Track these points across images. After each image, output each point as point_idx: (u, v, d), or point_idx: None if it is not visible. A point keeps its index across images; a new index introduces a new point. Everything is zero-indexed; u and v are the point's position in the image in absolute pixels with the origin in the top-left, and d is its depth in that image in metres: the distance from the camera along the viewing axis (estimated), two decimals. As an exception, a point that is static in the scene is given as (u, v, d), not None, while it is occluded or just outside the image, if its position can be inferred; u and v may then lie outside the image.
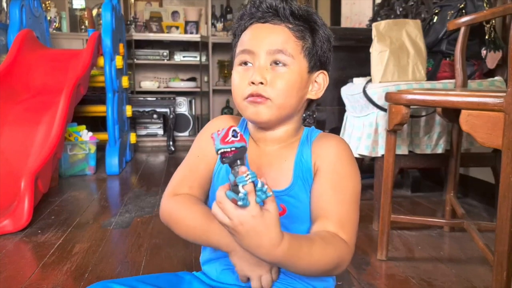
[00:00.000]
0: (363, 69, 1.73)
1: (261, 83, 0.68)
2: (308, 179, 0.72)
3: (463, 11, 1.65)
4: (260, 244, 0.55)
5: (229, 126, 0.56)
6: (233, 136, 0.56)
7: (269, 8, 0.71)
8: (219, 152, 0.56)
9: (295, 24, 0.70)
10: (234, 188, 0.54)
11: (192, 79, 4.15)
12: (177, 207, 0.75)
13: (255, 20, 0.72)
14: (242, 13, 0.74)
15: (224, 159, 0.56)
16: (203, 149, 0.79)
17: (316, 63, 0.73)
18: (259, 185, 0.54)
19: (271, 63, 0.70)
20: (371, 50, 1.59)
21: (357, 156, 1.67)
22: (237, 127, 0.56)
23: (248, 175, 0.54)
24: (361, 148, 1.60)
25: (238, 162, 0.55)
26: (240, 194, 0.53)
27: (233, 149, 0.55)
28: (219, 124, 0.82)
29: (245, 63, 0.71)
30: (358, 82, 1.74)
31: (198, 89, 4.08)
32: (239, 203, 0.53)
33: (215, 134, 0.57)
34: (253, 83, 0.69)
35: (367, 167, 2.16)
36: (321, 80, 0.76)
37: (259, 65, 0.69)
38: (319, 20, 0.73)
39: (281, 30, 0.70)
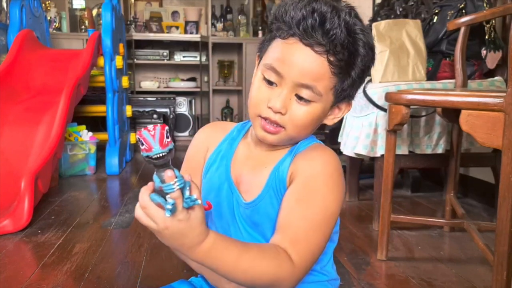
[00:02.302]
0: (363, 69, 1.73)
1: (280, 112, 0.63)
2: (281, 190, 0.67)
3: (463, 11, 1.65)
4: (183, 243, 0.53)
5: (160, 125, 0.51)
6: (167, 136, 0.51)
7: (317, 28, 0.60)
8: (156, 156, 0.50)
9: (338, 58, 0.62)
10: (160, 192, 0.51)
11: (192, 79, 4.15)
12: None
13: (297, 35, 0.62)
14: (283, 12, 0.63)
15: (156, 161, 0.51)
16: (191, 162, 0.78)
17: (345, 97, 0.68)
18: (187, 193, 0.51)
19: (296, 93, 0.64)
20: (371, 50, 1.59)
21: (354, 155, 1.67)
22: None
23: (176, 182, 0.50)
24: (359, 147, 1.60)
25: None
26: (168, 206, 0.50)
27: (168, 152, 0.51)
28: (210, 132, 0.80)
29: (270, 82, 0.65)
30: (358, 82, 1.74)
31: (198, 89, 4.08)
32: (167, 214, 0.50)
33: (146, 134, 0.51)
34: (271, 108, 0.64)
35: (367, 167, 2.16)
36: (344, 107, 0.70)
37: (283, 92, 0.63)
38: (365, 51, 0.64)
39: (320, 63, 0.61)
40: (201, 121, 4.14)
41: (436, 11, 1.76)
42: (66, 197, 2.06)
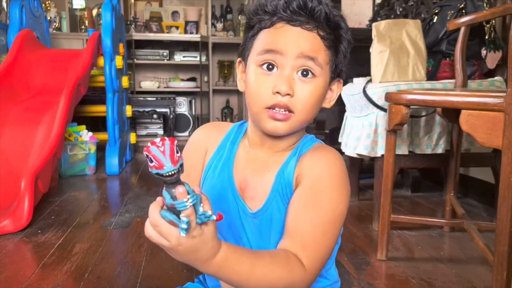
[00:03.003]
0: (363, 69, 1.73)
1: (288, 94, 0.62)
2: (287, 195, 0.66)
3: (463, 11, 1.65)
4: (196, 258, 0.52)
5: (168, 139, 0.47)
6: (176, 152, 0.47)
7: (302, 8, 0.63)
8: (168, 174, 0.47)
9: (327, 32, 0.64)
10: (171, 209, 0.49)
11: (192, 79, 4.15)
12: None
13: (283, 20, 0.63)
14: (264, 2, 0.65)
15: (168, 179, 0.47)
16: (187, 164, 0.76)
17: (337, 72, 0.69)
18: (201, 209, 0.49)
19: (298, 70, 0.63)
20: (371, 50, 1.59)
21: (356, 156, 1.67)
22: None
23: (189, 198, 0.47)
24: (360, 147, 1.60)
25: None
26: (183, 225, 0.47)
27: (179, 167, 0.47)
28: (208, 133, 0.77)
29: (269, 66, 0.64)
30: (358, 82, 1.74)
31: (198, 89, 4.08)
32: (181, 233, 0.48)
33: (155, 150, 0.46)
34: (278, 93, 0.62)
35: (367, 167, 2.16)
36: (336, 87, 0.71)
37: (285, 72, 0.63)
38: (346, 26, 0.67)
39: (313, 37, 0.63)
40: (201, 121, 4.15)
41: (436, 11, 1.76)
42: (66, 197, 2.06)
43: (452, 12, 1.67)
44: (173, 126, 3.55)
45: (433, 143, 1.68)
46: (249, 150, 0.72)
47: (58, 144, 1.98)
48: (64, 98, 2.12)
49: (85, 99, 2.67)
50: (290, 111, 0.63)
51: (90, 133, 2.59)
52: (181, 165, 0.48)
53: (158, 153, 0.47)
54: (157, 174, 0.47)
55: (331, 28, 0.65)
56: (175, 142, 0.48)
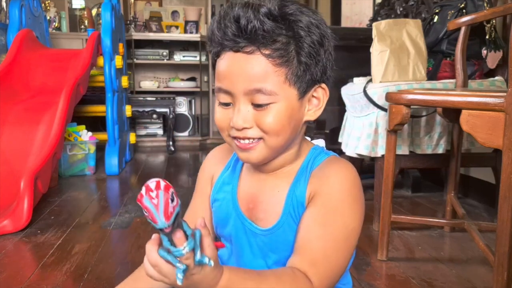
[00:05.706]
0: (363, 69, 1.73)
1: (245, 128, 0.61)
2: (300, 214, 0.64)
3: (464, 10, 1.65)
4: None
5: (163, 187, 0.45)
6: (171, 200, 0.45)
7: (236, 34, 0.58)
8: (163, 229, 0.45)
9: (272, 48, 0.58)
10: (170, 251, 0.48)
11: (192, 79, 4.15)
12: None
13: (226, 48, 0.60)
14: (210, 35, 0.63)
15: (166, 231, 0.46)
16: (201, 190, 0.77)
17: (308, 82, 0.62)
18: (198, 255, 0.48)
19: (252, 103, 0.60)
20: (371, 50, 1.59)
21: (356, 156, 1.67)
22: (164, 181, 0.46)
23: (185, 247, 0.46)
24: (361, 147, 1.60)
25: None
26: (179, 275, 0.47)
27: (174, 220, 0.46)
28: (215, 157, 0.78)
29: (224, 104, 0.62)
30: (359, 82, 1.74)
31: (198, 89, 4.08)
32: (178, 281, 0.47)
33: (148, 203, 0.45)
34: (234, 127, 0.61)
35: (367, 167, 2.16)
36: (320, 94, 0.65)
37: (239, 107, 0.60)
38: (302, 23, 0.59)
39: (256, 61, 0.58)
40: (201, 121, 4.14)
41: (437, 10, 1.76)
42: (65, 197, 2.06)
43: (452, 11, 1.67)
44: (173, 126, 3.55)
45: (434, 143, 1.68)
46: (252, 169, 0.71)
47: (57, 144, 1.97)
48: (64, 98, 2.11)
49: (85, 99, 2.67)
50: (257, 138, 0.61)
51: (90, 133, 2.59)
52: (177, 215, 0.46)
53: (151, 206, 0.45)
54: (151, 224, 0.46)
55: (282, 41, 0.58)
56: (171, 190, 0.46)
